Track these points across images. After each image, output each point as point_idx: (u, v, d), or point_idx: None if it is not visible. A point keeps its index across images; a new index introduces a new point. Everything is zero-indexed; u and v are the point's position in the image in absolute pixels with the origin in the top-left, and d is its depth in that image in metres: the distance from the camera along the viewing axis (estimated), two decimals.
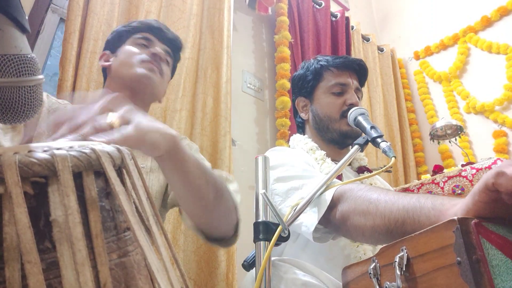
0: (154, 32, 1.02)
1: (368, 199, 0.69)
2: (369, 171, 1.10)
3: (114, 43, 1.03)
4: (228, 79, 1.79)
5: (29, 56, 0.44)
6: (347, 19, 2.69)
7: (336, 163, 1.03)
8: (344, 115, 1.08)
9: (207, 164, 0.98)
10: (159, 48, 0.99)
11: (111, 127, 0.52)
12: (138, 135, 0.54)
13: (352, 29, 2.76)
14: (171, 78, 1.10)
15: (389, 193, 0.68)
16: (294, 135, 1.20)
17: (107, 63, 1.02)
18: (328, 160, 1.04)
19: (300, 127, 1.23)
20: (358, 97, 1.12)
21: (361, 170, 1.11)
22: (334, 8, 2.77)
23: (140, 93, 0.95)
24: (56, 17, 1.59)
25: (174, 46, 1.05)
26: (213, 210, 0.76)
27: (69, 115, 0.52)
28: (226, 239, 0.85)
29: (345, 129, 1.07)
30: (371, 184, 1.07)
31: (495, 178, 0.42)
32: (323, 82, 1.14)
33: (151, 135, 0.57)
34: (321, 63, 1.15)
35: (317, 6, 2.54)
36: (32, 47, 1.37)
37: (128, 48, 0.99)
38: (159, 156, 0.62)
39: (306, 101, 1.18)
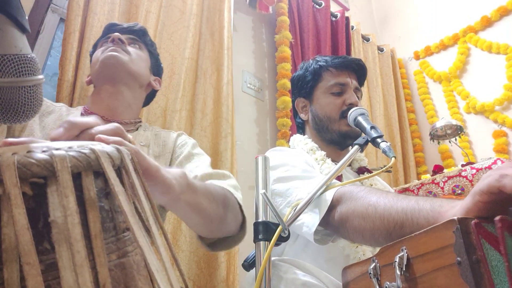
0: (112, 29, 1.04)
1: (367, 201, 0.69)
2: (369, 171, 1.10)
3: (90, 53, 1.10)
4: (229, 81, 1.79)
5: (29, 56, 0.44)
6: (347, 19, 2.69)
7: (336, 164, 1.03)
8: (343, 115, 1.08)
9: (205, 159, 0.97)
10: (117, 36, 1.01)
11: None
12: (153, 171, 0.51)
13: (352, 29, 2.76)
14: (155, 64, 1.12)
15: (388, 195, 0.68)
16: (294, 135, 1.20)
17: (88, 78, 1.08)
18: (328, 160, 1.04)
19: (300, 128, 1.23)
20: (357, 97, 1.12)
21: (361, 170, 1.11)
22: (334, 8, 2.77)
23: (114, 77, 0.96)
24: (56, 17, 1.59)
25: (135, 31, 1.07)
26: (221, 224, 0.77)
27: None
28: (232, 237, 0.84)
29: (345, 129, 1.07)
30: (371, 185, 1.07)
31: (500, 179, 0.42)
32: (322, 83, 1.14)
33: (164, 174, 0.54)
34: (320, 63, 1.15)
35: (317, 6, 2.54)
36: (32, 47, 1.37)
37: (95, 52, 1.04)
38: (174, 201, 0.59)
39: (305, 102, 1.18)
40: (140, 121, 1.04)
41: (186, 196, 0.61)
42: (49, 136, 0.44)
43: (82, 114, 0.95)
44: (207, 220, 0.71)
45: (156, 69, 1.13)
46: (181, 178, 0.59)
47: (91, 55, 1.11)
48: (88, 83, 1.09)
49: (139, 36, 1.07)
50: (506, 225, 0.40)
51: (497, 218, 0.41)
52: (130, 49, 1.00)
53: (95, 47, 1.09)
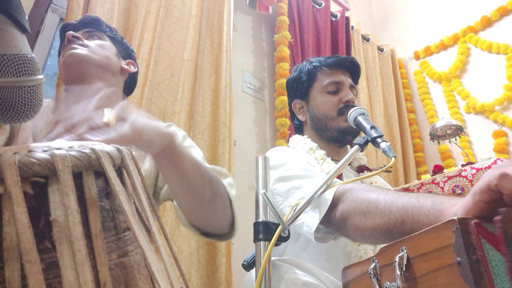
0: (65, 30, 1.01)
1: (368, 198, 0.70)
2: (369, 170, 1.11)
3: None
4: (227, 84, 1.78)
5: (29, 56, 0.44)
6: (347, 19, 2.69)
7: (336, 163, 1.03)
8: (341, 112, 1.09)
9: (197, 151, 0.97)
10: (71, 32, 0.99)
11: (106, 126, 0.52)
12: (134, 132, 0.55)
13: (352, 29, 2.76)
14: (121, 47, 1.08)
15: (389, 193, 0.68)
16: (293, 135, 1.20)
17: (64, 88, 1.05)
18: (328, 159, 1.04)
19: (298, 129, 1.23)
20: (353, 94, 1.12)
21: (360, 169, 1.11)
22: (334, 8, 2.77)
23: (81, 73, 0.94)
24: (56, 17, 1.59)
25: (88, 23, 1.03)
26: (209, 208, 0.76)
27: (64, 114, 0.52)
28: (223, 236, 0.84)
29: (344, 125, 1.08)
30: (371, 183, 1.07)
31: (499, 179, 0.42)
32: (318, 83, 1.15)
33: (147, 133, 0.58)
34: (313, 64, 1.16)
35: (317, 6, 2.54)
36: (32, 47, 1.37)
37: (59, 59, 1.01)
38: (156, 154, 0.62)
39: (302, 103, 1.18)
40: None
41: (168, 155, 0.64)
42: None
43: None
44: (190, 191, 0.72)
45: (125, 52, 1.08)
46: (166, 135, 0.62)
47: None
48: (65, 91, 1.06)
49: (94, 26, 1.03)
50: (482, 231, 0.40)
51: (497, 217, 0.41)
52: (88, 42, 0.97)
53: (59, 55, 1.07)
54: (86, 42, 0.96)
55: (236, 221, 0.83)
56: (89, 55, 0.94)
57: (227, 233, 0.84)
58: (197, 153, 0.95)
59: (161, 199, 0.93)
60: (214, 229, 0.83)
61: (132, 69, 1.07)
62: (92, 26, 1.03)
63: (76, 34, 0.96)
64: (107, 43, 1.02)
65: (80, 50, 0.93)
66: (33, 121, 0.86)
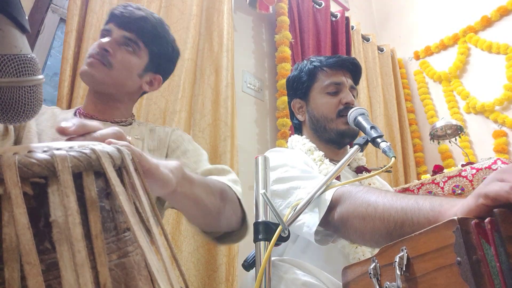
0: (115, 20, 0.95)
1: (366, 201, 0.69)
2: (368, 171, 1.10)
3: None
4: (228, 84, 1.78)
5: (29, 56, 0.44)
6: (347, 19, 2.69)
7: (335, 164, 1.03)
8: (340, 114, 1.08)
9: (204, 156, 0.97)
10: (108, 38, 0.93)
11: None
12: (154, 170, 0.52)
13: (352, 29, 2.76)
14: (159, 65, 1.02)
15: (387, 195, 0.68)
16: (292, 136, 1.20)
17: None
18: (326, 161, 1.04)
19: (297, 129, 1.23)
20: (353, 95, 1.12)
21: (359, 170, 1.11)
22: (334, 8, 2.77)
23: (93, 89, 0.94)
24: (56, 17, 1.59)
25: (139, 28, 0.95)
26: (221, 215, 0.77)
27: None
28: (236, 233, 0.85)
29: (343, 128, 1.08)
30: (370, 185, 1.07)
31: (510, 192, 0.41)
32: (318, 83, 1.14)
33: (162, 170, 0.55)
34: (314, 63, 1.15)
35: (317, 6, 2.54)
36: (32, 47, 1.37)
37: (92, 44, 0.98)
38: (171, 192, 0.59)
39: (301, 103, 1.18)
40: (133, 117, 1.03)
41: (183, 187, 0.62)
42: (56, 126, 0.45)
43: (75, 114, 0.96)
44: (204, 212, 0.72)
45: (157, 66, 1.01)
46: (177, 170, 0.60)
47: None
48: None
49: (137, 32, 0.95)
50: (494, 227, 0.40)
51: (473, 222, 0.41)
52: (117, 55, 0.92)
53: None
54: (112, 56, 0.91)
55: (247, 216, 0.83)
56: (103, 79, 0.91)
57: (240, 228, 0.84)
58: (202, 156, 0.96)
59: (166, 206, 0.93)
60: (227, 229, 0.83)
61: (152, 88, 1.03)
62: (135, 31, 0.95)
63: (108, 47, 0.91)
64: (136, 60, 0.96)
65: (97, 71, 0.90)
66: (38, 125, 0.86)
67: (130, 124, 0.99)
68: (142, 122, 1.04)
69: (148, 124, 1.03)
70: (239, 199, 0.82)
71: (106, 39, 0.93)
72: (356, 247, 0.89)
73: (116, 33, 0.94)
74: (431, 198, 0.59)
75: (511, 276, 0.38)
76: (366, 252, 0.89)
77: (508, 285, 0.38)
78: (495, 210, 0.41)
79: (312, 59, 1.18)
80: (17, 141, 0.81)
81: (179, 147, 0.96)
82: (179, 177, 0.60)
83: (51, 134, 0.85)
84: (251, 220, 0.74)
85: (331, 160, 1.06)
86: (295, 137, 1.18)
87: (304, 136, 1.15)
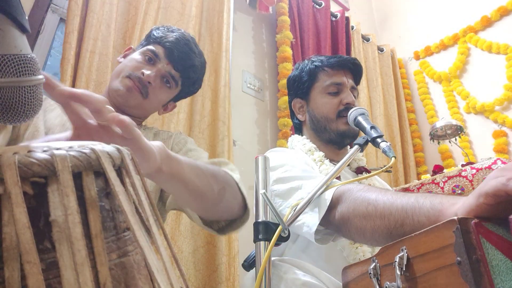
0: (168, 52, 0.96)
1: (367, 200, 0.69)
2: (368, 171, 1.10)
3: (141, 43, 1.02)
4: (226, 83, 1.78)
5: (29, 56, 0.44)
6: (347, 19, 2.69)
7: (335, 164, 1.03)
8: (340, 114, 1.08)
9: (205, 156, 0.97)
10: (154, 69, 0.94)
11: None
12: (137, 137, 0.54)
13: (352, 29, 2.76)
14: (180, 97, 1.07)
15: (388, 193, 0.68)
16: (292, 136, 1.20)
17: (120, 59, 1.01)
18: (327, 161, 1.03)
19: (297, 129, 1.23)
20: (354, 96, 1.12)
21: (359, 170, 1.11)
22: (334, 8, 2.77)
23: (120, 108, 0.94)
24: (56, 17, 1.59)
25: (186, 74, 0.99)
26: (220, 200, 0.75)
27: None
28: (238, 220, 0.84)
29: (343, 128, 1.08)
30: (369, 184, 1.07)
31: (507, 183, 0.41)
32: (319, 83, 1.14)
33: (147, 146, 0.56)
34: (315, 63, 1.15)
35: (317, 6, 2.54)
36: (32, 47, 1.37)
37: (132, 56, 0.97)
38: (156, 170, 0.59)
39: (302, 102, 1.18)
40: (141, 122, 1.05)
41: (169, 167, 0.61)
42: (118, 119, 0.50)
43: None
44: (197, 194, 0.70)
45: (179, 97, 1.06)
46: (160, 149, 0.60)
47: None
48: (119, 62, 1.02)
49: (182, 74, 0.98)
50: (482, 231, 0.40)
51: (473, 222, 0.41)
52: (156, 89, 0.94)
53: (145, 38, 1.01)
54: (152, 89, 0.93)
55: (247, 201, 0.82)
56: (135, 105, 0.94)
57: (242, 215, 0.83)
58: (203, 155, 0.96)
59: (168, 207, 0.92)
60: (229, 216, 0.82)
61: (162, 113, 1.07)
62: (181, 72, 0.97)
63: (152, 81, 0.92)
64: (169, 95, 1.00)
65: (134, 99, 0.92)
66: (46, 122, 0.86)
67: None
68: (148, 127, 1.05)
69: (153, 129, 1.05)
70: (237, 184, 0.81)
71: (151, 71, 0.93)
72: (357, 248, 0.89)
73: (163, 65, 0.95)
74: (431, 197, 0.59)
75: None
76: (366, 252, 0.89)
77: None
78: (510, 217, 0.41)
79: (313, 59, 1.18)
80: (17, 138, 0.81)
81: (182, 149, 0.97)
82: (163, 156, 0.60)
83: (60, 132, 0.85)
84: (251, 220, 0.74)
85: (331, 161, 1.06)
86: (296, 137, 1.18)
87: (304, 136, 1.15)
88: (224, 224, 0.84)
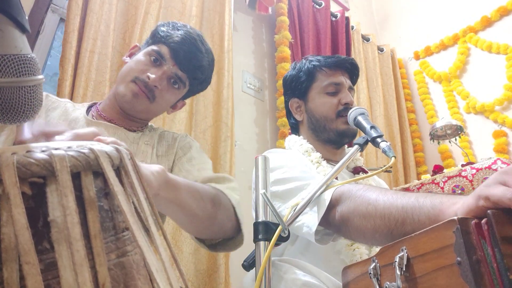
0: (174, 53, 0.92)
1: (367, 200, 0.69)
2: (365, 171, 1.10)
3: (147, 41, 0.99)
4: (229, 84, 1.78)
5: (29, 56, 0.44)
6: (347, 19, 2.69)
7: (332, 164, 1.03)
8: (340, 114, 1.08)
9: (208, 166, 0.96)
10: (160, 70, 0.91)
11: None
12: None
13: (352, 29, 2.76)
14: (189, 96, 1.05)
15: (387, 193, 0.68)
16: (289, 136, 1.20)
17: (126, 59, 0.99)
18: (324, 163, 1.03)
19: (294, 129, 1.22)
20: (351, 96, 1.12)
21: (356, 171, 1.10)
22: (334, 8, 2.77)
23: (127, 112, 0.94)
24: (56, 17, 1.59)
25: (193, 74, 0.96)
26: (213, 221, 0.76)
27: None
28: (230, 241, 0.84)
29: (342, 128, 1.07)
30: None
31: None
32: (317, 83, 1.13)
33: (144, 173, 0.55)
34: (313, 63, 1.14)
35: (317, 6, 2.54)
36: (32, 47, 1.37)
37: (138, 58, 0.94)
38: (153, 195, 0.58)
39: (299, 102, 1.17)
40: (147, 124, 1.04)
41: (166, 192, 0.61)
42: (47, 131, 0.46)
43: (87, 113, 0.94)
44: (192, 217, 0.71)
45: (188, 95, 1.04)
46: (159, 174, 0.60)
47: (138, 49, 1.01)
48: (124, 62, 1.00)
49: (190, 75, 0.95)
50: (480, 232, 0.40)
51: (473, 222, 0.41)
52: (163, 92, 0.92)
53: (151, 36, 0.97)
54: (158, 91, 0.91)
55: (242, 226, 0.83)
56: (142, 110, 0.93)
57: (233, 237, 0.84)
58: (206, 165, 0.96)
59: None
60: (222, 236, 0.83)
61: (171, 112, 1.06)
62: (188, 72, 0.94)
63: (158, 84, 0.90)
64: (177, 96, 0.99)
65: (140, 104, 0.90)
66: (49, 121, 0.86)
67: (142, 131, 0.99)
68: (153, 127, 1.04)
69: (158, 129, 1.04)
70: (233, 207, 0.81)
71: (157, 75, 0.90)
72: (354, 250, 0.89)
73: (169, 67, 0.92)
74: (431, 196, 0.59)
75: (507, 276, 0.38)
76: (363, 255, 0.89)
77: (505, 285, 0.38)
78: (489, 211, 0.42)
79: (310, 59, 1.17)
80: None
81: (186, 155, 0.96)
82: (161, 182, 0.60)
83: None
84: (251, 221, 0.74)
85: (328, 161, 1.06)
86: (293, 137, 1.17)
87: (301, 137, 1.15)
88: (216, 242, 0.84)
